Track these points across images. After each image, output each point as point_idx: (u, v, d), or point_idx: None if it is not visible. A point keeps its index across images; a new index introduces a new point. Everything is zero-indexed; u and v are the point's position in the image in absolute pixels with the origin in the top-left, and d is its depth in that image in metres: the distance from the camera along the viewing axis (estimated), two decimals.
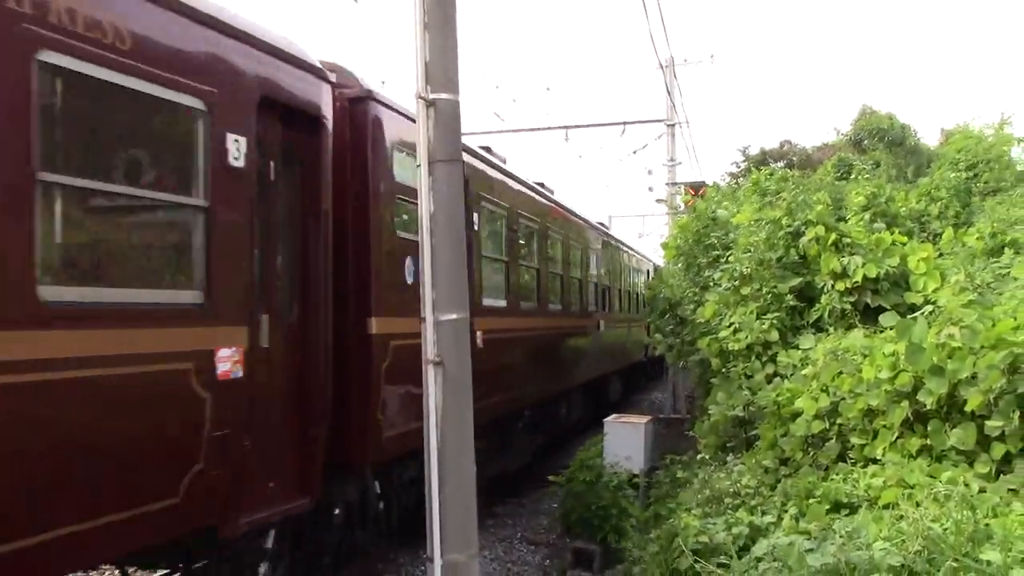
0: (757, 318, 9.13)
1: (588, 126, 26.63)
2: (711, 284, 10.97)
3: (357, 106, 7.45)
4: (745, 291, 9.45)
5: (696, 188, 20.26)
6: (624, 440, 10.73)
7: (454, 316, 5.12)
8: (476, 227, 10.03)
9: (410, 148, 7.06)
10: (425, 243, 5.07)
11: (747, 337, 9.07)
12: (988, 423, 5.42)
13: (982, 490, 5.17)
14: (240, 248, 5.61)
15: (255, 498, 5.78)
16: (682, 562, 5.44)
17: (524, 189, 12.78)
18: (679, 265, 13.79)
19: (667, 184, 24.76)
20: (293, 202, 6.49)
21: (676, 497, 7.96)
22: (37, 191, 4.23)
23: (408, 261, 7.84)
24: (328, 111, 6.84)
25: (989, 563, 3.89)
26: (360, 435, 7.21)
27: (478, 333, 9.54)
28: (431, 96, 5.04)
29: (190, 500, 5.12)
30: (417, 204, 5.30)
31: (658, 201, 27.23)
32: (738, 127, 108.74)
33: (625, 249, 24.29)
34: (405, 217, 7.91)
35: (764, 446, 7.32)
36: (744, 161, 33.04)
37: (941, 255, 9.51)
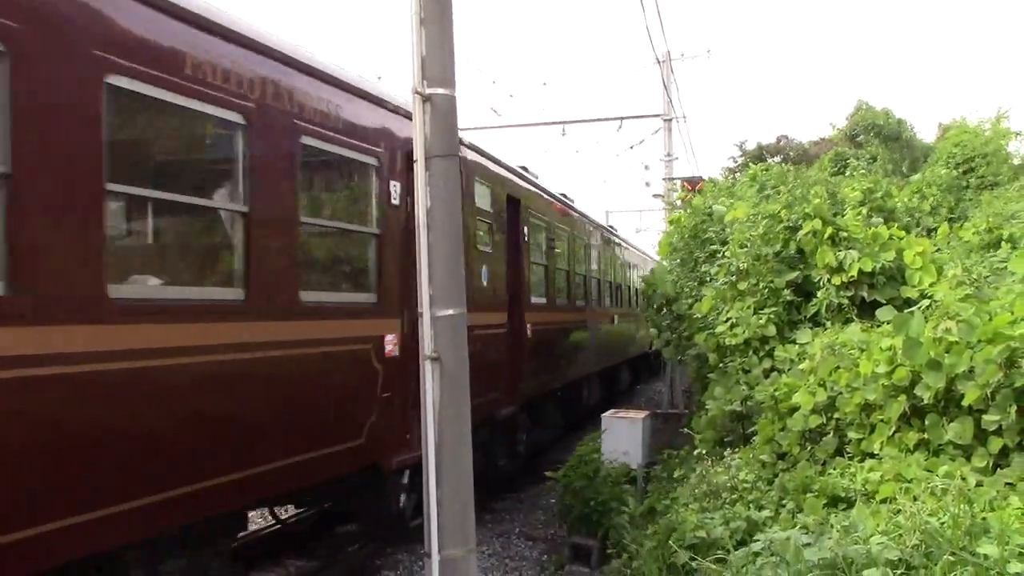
0: (754, 313, 9.13)
1: (585, 121, 26.41)
2: (708, 279, 10.97)
3: None
4: (742, 286, 9.45)
5: (693, 183, 20.26)
6: (622, 435, 10.72)
7: (451, 312, 5.12)
8: (526, 238, 12.32)
9: (487, 180, 10.57)
10: (422, 238, 5.07)
11: (744, 332, 9.07)
12: (985, 417, 5.42)
13: (979, 484, 5.18)
14: (394, 262, 7.74)
15: (401, 444, 7.82)
16: (679, 557, 5.44)
17: (556, 203, 15.03)
18: (676, 261, 13.78)
19: (664, 179, 24.76)
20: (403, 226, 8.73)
21: (674, 492, 7.97)
22: (301, 229, 6.53)
23: (484, 269, 10.33)
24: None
25: (986, 557, 3.89)
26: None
27: (528, 325, 12.08)
28: (427, 91, 5.04)
29: (368, 442, 7.25)
30: (490, 221, 8.53)
31: (655, 196, 27.24)
32: (735, 122, 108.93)
33: (632, 249, 26.46)
34: (481, 234, 10.37)
35: (761, 441, 7.32)
36: (741, 156, 33.05)
37: (938, 249, 9.51)
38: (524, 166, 13.26)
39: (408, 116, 7.78)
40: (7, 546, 4.17)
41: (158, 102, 5.23)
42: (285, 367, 6.21)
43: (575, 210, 16.83)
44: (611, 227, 23.84)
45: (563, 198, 15.89)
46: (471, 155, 10.09)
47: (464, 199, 9.16)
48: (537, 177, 13.97)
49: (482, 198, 10.46)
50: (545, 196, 14.14)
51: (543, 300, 13.50)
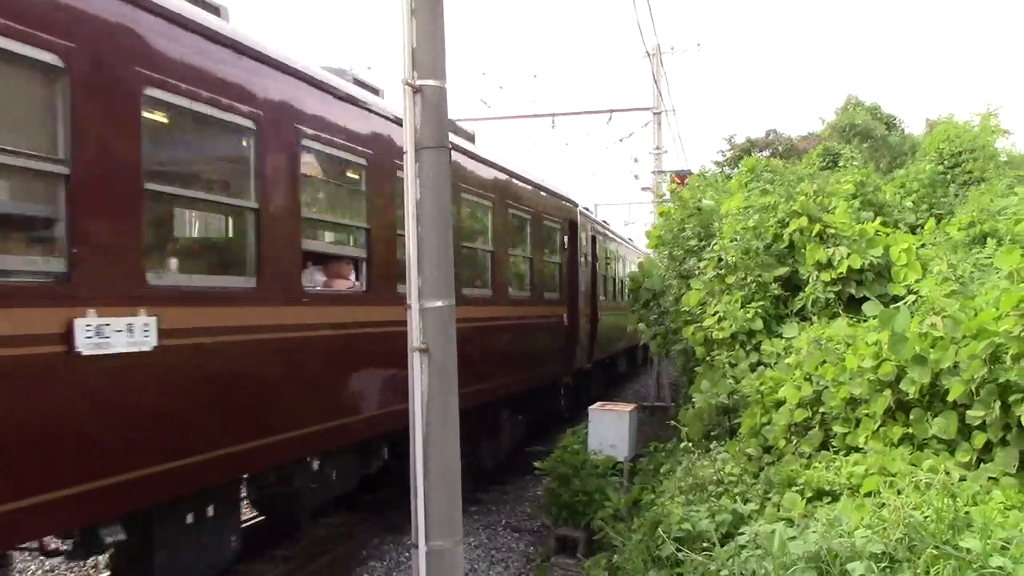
0: (742, 307, 9.16)
1: (575, 114, 26.39)
2: (696, 272, 10.98)
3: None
4: (730, 280, 9.48)
5: (682, 176, 20.28)
6: (609, 428, 10.74)
7: (440, 303, 5.12)
8: (598, 260, 19.30)
9: (584, 228, 17.51)
10: (411, 231, 5.06)
11: (731, 326, 9.10)
12: (969, 412, 5.46)
13: (963, 478, 5.22)
14: (565, 276, 15.41)
15: (563, 368, 15.52)
16: (665, 549, 5.46)
17: (608, 231, 22.82)
18: (664, 254, 13.79)
19: (653, 172, 24.78)
20: (567, 257, 15.70)
21: (660, 485, 7.99)
22: (542, 262, 13.95)
23: (583, 280, 16.99)
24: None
25: (969, 551, 3.92)
26: (571, 359, 15.99)
27: (600, 314, 19.00)
28: (418, 82, 5.02)
29: (555, 366, 14.89)
30: (586, 252, 17.57)
31: (644, 189, 27.28)
32: (725, 115, 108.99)
33: (640, 251, 30.47)
34: (583, 260, 17.10)
35: (747, 434, 7.35)
36: (730, 150, 33.07)
37: (923, 245, 9.54)
38: (587, 207, 19.33)
39: (566, 200, 15.80)
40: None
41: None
42: (537, 325, 13.68)
43: (614, 232, 24.49)
44: (629, 239, 29.24)
45: (605, 224, 22.80)
46: (579, 213, 17.01)
47: (580, 242, 16.64)
48: (594, 212, 21.39)
49: (583, 239, 17.29)
50: (604, 228, 21.92)
51: (603, 298, 20.27)
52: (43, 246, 4.93)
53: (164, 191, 5.67)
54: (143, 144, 5.32)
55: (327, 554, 8.66)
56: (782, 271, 9.30)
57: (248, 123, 6.31)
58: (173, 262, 5.95)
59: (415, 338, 5.08)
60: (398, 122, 6.59)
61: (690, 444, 8.12)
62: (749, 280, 9.30)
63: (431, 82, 5.06)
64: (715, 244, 10.25)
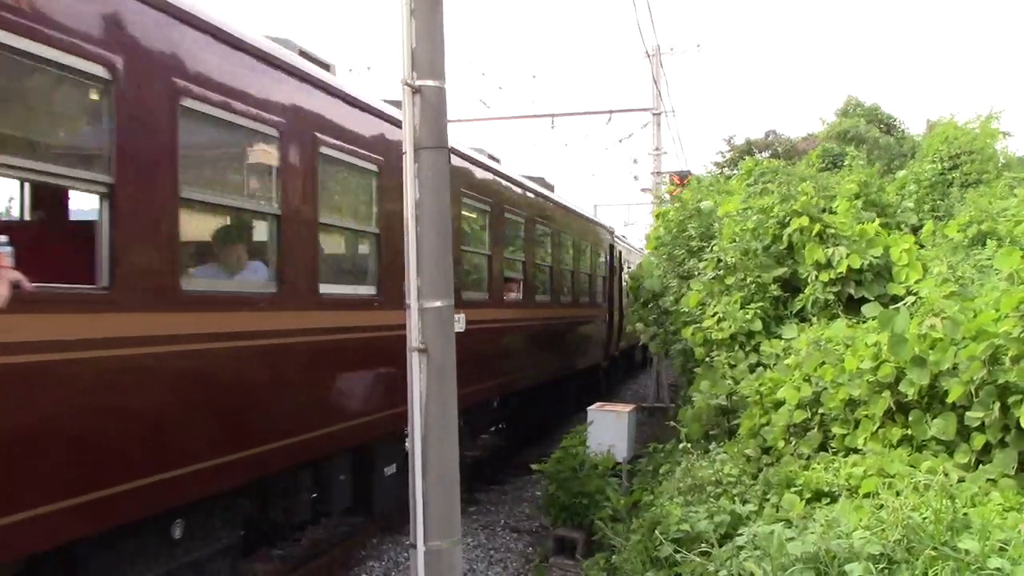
0: (741, 308, 9.16)
1: (574, 114, 26.26)
2: (696, 273, 10.99)
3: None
4: (729, 280, 9.48)
5: (682, 177, 20.27)
6: (608, 428, 10.73)
7: (439, 303, 5.12)
8: (620, 272, 23.09)
9: (617, 246, 23.52)
10: (410, 231, 5.05)
11: (731, 327, 9.10)
12: (968, 414, 5.46)
13: (961, 480, 5.22)
14: (607, 287, 21.13)
15: (603, 354, 20.55)
16: (663, 550, 5.45)
17: (626, 244, 27.05)
18: (663, 256, 13.79)
19: (652, 173, 24.77)
20: (607, 271, 21.29)
21: (658, 486, 7.98)
22: (584, 277, 18.36)
23: (614, 288, 21.93)
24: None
25: (967, 552, 3.92)
26: (608, 347, 21.11)
27: (624, 311, 21.94)
28: (417, 83, 5.01)
29: (598, 352, 19.87)
30: (616, 265, 23.05)
31: (643, 190, 27.28)
32: (724, 116, 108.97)
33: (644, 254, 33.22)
34: (614, 271, 22.21)
35: (746, 435, 7.35)
36: (729, 151, 33.13)
37: (922, 247, 9.55)
38: (612, 227, 23.31)
39: (607, 228, 22.01)
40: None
41: None
42: (591, 321, 18.77)
43: (630, 244, 28.78)
44: (640, 249, 31.36)
45: (623, 238, 26.57)
46: (616, 238, 22.89)
47: (614, 260, 22.27)
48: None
49: (615, 257, 22.28)
50: (625, 242, 26.26)
51: (625, 300, 22.99)
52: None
53: (467, 251, 10.49)
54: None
55: (326, 554, 8.66)
56: (781, 271, 9.30)
57: (486, 206, 11.20)
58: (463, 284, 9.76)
59: (414, 338, 5.08)
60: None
61: (689, 445, 8.11)
62: (748, 281, 9.31)
63: (430, 82, 5.05)
64: (714, 245, 10.25)
